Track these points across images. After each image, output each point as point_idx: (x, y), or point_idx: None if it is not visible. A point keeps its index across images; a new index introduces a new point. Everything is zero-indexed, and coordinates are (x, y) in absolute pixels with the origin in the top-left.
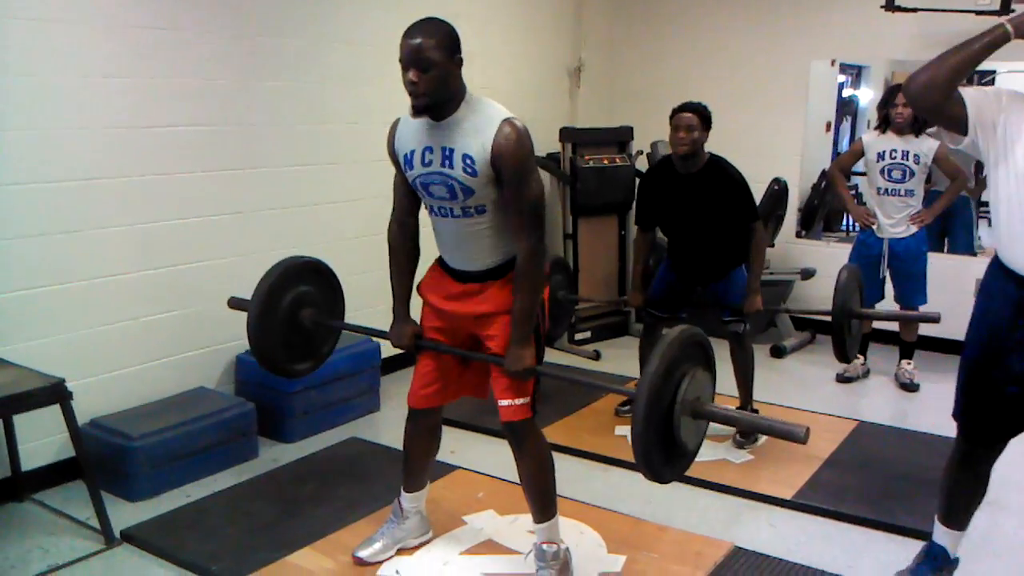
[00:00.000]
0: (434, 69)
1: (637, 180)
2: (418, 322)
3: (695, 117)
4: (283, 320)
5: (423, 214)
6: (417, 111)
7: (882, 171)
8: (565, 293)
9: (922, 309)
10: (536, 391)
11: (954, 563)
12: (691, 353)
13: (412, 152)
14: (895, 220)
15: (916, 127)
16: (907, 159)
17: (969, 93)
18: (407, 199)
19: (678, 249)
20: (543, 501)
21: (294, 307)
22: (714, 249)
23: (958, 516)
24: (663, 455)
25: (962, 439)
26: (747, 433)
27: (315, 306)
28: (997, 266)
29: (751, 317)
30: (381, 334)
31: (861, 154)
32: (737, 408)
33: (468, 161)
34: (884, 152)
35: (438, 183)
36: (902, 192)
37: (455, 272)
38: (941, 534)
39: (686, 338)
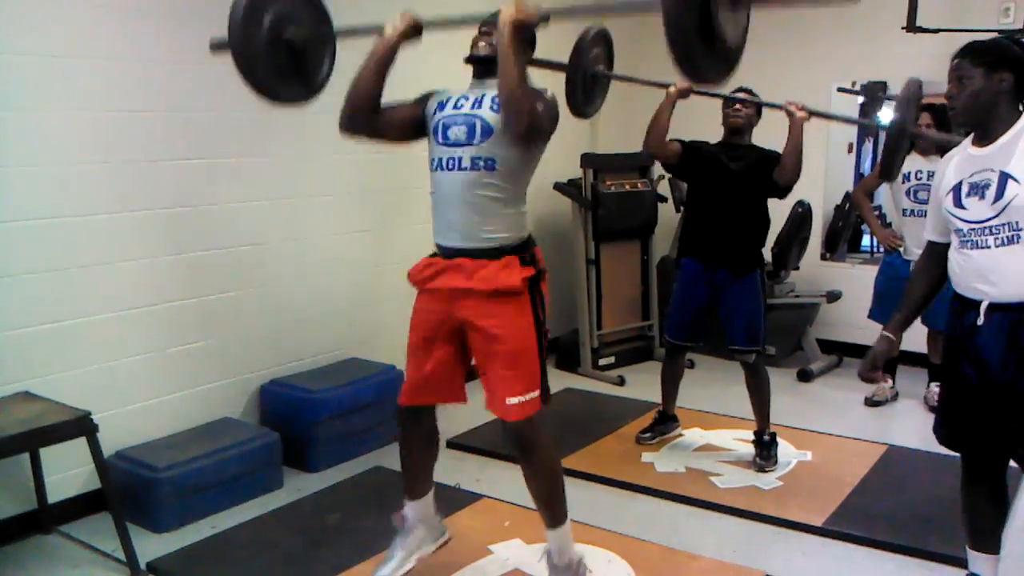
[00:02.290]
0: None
1: (659, 205)
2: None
3: (751, 97)
4: (268, 41)
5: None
6: (473, 58)
7: (907, 192)
8: (603, 68)
9: None
10: (544, 380)
11: None
12: None
13: (449, 99)
14: (921, 241)
15: (940, 148)
16: (932, 179)
17: None
18: (395, 109)
19: (706, 222)
20: (553, 507)
21: (276, 26)
22: (743, 225)
23: (983, 537)
24: (705, 54)
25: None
26: (767, 456)
27: (299, 23)
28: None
29: (757, 338)
30: (374, 29)
31: None
32: (755, 432)
33: (495, 100)
34: (909, 173)
35: (460, 123)
36: (927, 213)
37: (450, 252)
38: (975, 561)
39: None
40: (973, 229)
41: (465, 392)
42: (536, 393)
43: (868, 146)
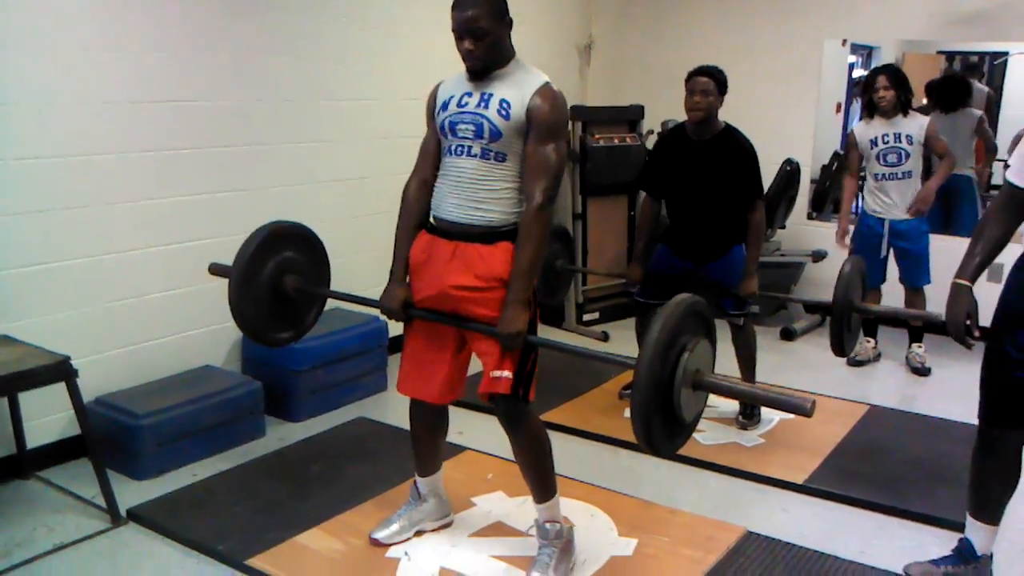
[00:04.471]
0: (488, 36)
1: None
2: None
3: (710, 81)
4: (265, 286)
5: None
6: (474, 74)
7: (878, 157)
8: (564, 262)
9: (928, 301)
10: (527, 368)
11: (982, 559)
12: (691, 323)
13: (451, 97)
14: (895, 202)
15: (902, 107)
16: (900, 141)
17: None
18: (433, 157)
19: (679, 221)
20: (542, 482)
21: (277, 273)
22: (716, 223)
23: (987, 508)
24: (663, 429)
25: (983, 421)
26: (749, 415)
27: (299, 272)
28: None
29: (748, 301)
30: (370, 302)
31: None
32: None
33: (504, 104)
34: (876, 138)
35: (468, 121)
36: (899, 175)
37: (447, 227)
38: (972, 528)
39: (685, 308)
40: None
41: (463, 386)
42: (509, 373)
43: (856, 106)
